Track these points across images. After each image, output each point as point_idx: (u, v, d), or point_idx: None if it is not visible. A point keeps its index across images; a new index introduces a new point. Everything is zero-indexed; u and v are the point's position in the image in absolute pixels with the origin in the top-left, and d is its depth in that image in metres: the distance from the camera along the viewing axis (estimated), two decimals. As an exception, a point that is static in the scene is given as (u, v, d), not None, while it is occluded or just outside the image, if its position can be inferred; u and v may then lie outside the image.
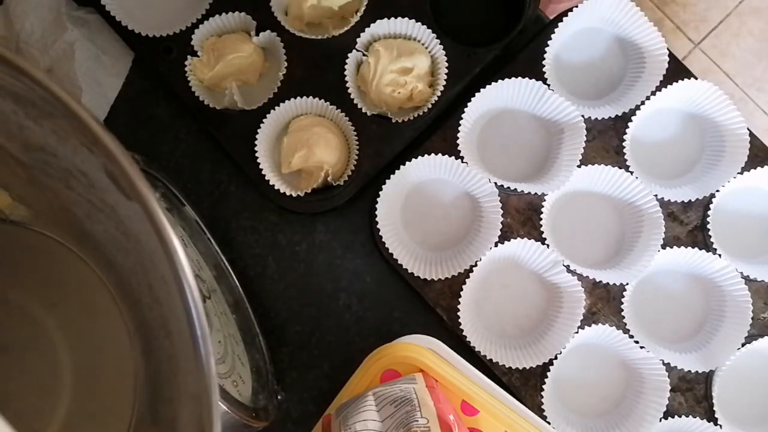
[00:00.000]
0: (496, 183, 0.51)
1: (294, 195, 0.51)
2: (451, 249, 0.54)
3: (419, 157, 0.51)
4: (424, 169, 0.53)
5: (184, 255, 0.25)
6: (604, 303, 0.53)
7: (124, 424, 0.39)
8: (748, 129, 0.52)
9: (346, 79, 0.52)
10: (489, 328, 0.53)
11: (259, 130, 0.51)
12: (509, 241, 0.51)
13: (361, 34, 0.52)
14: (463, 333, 0.50)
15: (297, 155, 0.51)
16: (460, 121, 0.51)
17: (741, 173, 0.51)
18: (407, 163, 0.51)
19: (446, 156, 0.51)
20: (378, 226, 0.51)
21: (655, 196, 0.51)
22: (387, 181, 0.51)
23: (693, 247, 0.51)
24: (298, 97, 0.52)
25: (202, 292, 0.46)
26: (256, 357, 0.51)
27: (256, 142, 0.51)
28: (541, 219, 0.52)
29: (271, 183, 0.51)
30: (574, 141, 0.51)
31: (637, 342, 0.51)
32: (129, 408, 0.39)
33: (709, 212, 0.52)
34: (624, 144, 0.52)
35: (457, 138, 0.51)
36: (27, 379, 0.40)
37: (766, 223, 0.54)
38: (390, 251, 0.51)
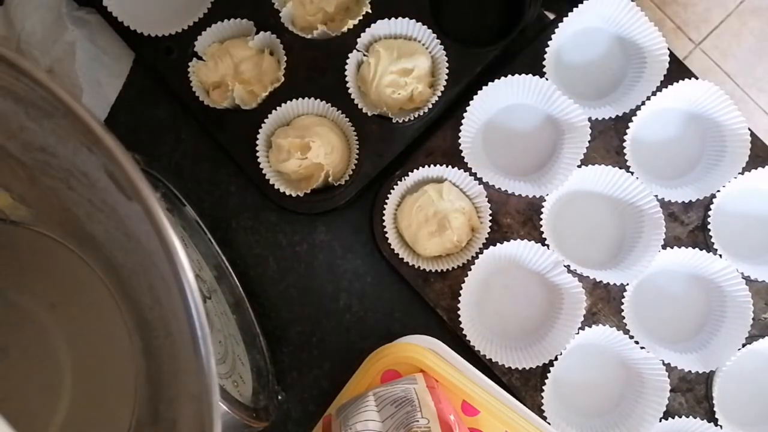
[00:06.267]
0: (494, 186, 0.52)
1: (294, 195, 0.51)
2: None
3: (424, 167, 0.52)
4: (428, 172, 0.53)
5: (185, 255, 0.25)
6: (605, 303, 0.53)
7: (125, 424, 0.39)
8: (749, 129, 0.52)
9: (347, 79, 0.52)
10: (489, 329, 0.53)
11: (259, 131, 0.51)
12: (509, 241, 0.51)
13: (362, 35, 0.52)
14: (464, 333, 0.50)
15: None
16: (464, 114, 0.51)
17: (742, 173, 0.51)
18: (407, 162, 0.51)
19: (452, 168, 0.52)
20: (383, 223, 0.51)
21: (656, 196, 0.51)
22: (395, 187, 0.51)
23: (693, 248, 0.51)
24: (299, 98, 0.52)
25: (202, 292, 0.46)
26: (257, 357, 0.51)
27: (256, 142, 0.51)
28: (541, 219, 0.52)
29: (271, 183, 0.51)
30: (577, 143, 0.51)
31: (637, 342, 0.51)
32: (129, 408, 0.39)
33: (710, 212, 0.52)
34: (624, 144, 0.52)
35: (460, 129, 0.51)
36: (27, 379, 0.40)
37: (766, 223, 0.54)
38: (392, 246, 0.51)
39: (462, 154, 0.51)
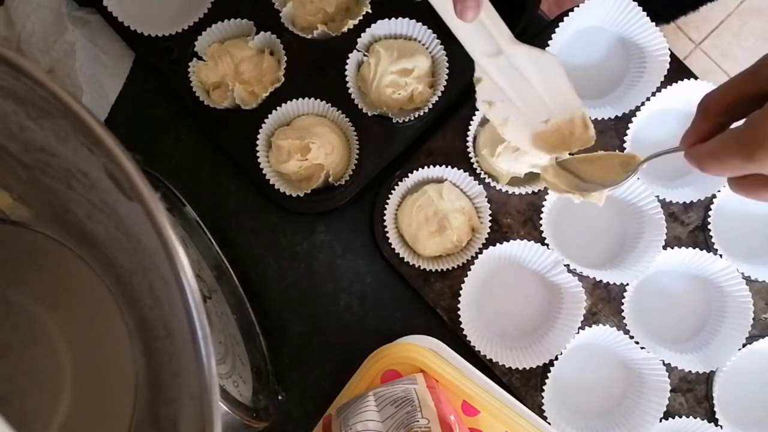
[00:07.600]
0: (502, 189, 0.52)
1: (295, 195, 0.51)
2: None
3: (424, 167, 0.51)
4: (428, 173, 0.53)
5: (185, 255, 0.25)
6: (605, 303, 0.53)
7: (125, 424, 0.39)
8: (749, 129, 0.51)
9: (347, 79, 0.52)
10: (489, 329, 0.53)
11: (259, 131, 0.51)
12: (509, 241, 0.51)
13: (362, 35, 0.52)
14: (464, 333, 0.50)
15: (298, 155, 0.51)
16: (473, 118, 0.51)
17: (742, 173, 0.51)
18: (407, 162, 0.51)
19: (452, 168, 0.51)
20: (384, 223, 0.51)
21: (657, 196, 0.51)
22: (395, 187, 0.51)
23: (694, 248, 0.51)
24: (299, 98, 0.52)
25: (202, 292, 0.46)
26: (257, 357, 0.51)
27: (256, 143, 0.51)
28: (541, 219, 0.52)
29: (271, 183, 0.51)
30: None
31: (637, 342, 0.51)
32: (129, 408, 0.39)
33: (710, 213, 0.52)
34: (625, 144, 0.52)
35: (467, 131, 0.51)
36: (27, 379, 0.40)
37: (766, 223, 0.54)
38: (392, 246, 0.51)
39: (468, 150, 0.51)
